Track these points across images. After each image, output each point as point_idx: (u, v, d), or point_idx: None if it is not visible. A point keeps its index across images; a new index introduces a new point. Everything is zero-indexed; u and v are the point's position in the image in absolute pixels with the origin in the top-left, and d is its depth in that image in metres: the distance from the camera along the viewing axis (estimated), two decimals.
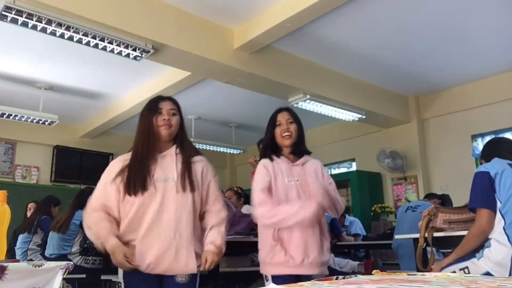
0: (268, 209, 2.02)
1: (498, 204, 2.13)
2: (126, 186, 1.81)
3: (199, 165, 1.96)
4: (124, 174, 1.83)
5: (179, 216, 1.82)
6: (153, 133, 1.90)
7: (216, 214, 1.95)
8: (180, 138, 1.96)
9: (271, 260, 2.05)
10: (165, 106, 1.94)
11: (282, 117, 2.22)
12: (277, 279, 2.03)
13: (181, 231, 1.82)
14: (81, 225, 4.06)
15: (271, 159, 2.17)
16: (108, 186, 1.85)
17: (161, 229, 1.80)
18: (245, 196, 4.13)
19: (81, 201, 4.21)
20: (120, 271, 1.89)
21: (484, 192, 2.16)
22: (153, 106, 1.95)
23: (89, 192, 4.34)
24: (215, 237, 1.88)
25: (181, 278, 1.81)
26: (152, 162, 1.86)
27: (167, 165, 1.88)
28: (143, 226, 1.80)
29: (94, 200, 1.88)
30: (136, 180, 1.81)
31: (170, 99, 2.01)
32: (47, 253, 4.13)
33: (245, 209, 4.00)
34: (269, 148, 2.22)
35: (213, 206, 1.96)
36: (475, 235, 2.18)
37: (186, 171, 1.88)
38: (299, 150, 2.22)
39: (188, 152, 1.94)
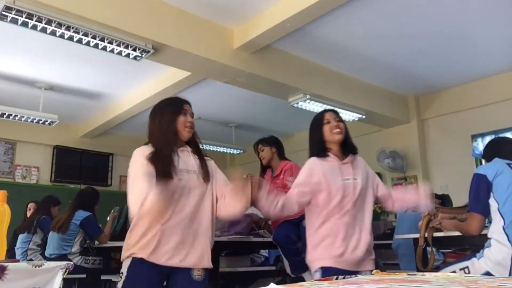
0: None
1: (496, 205, 2.16)
2: (160, 176, 1.81)
3: (210, 163, 2.06)
4: (151, 163, 1.85)
5: (199, 207, 1.90)
6: (175, 131, 1.95)
7: None
8: (195, 138, 2.06)
9: (327, 252, 2.07)
10: (189, 109, 2.03)
11: (330, 116, 2.27)
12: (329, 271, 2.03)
13: (201, 220, 1.90)
14: (81, 225, 4.06)
15: (319, 156, 2.21)
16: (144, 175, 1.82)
17: (183, 217, 1.85)
18: None
19: (81, 201, 4.21)
20: (126, 263, 1.88)
21: (477, 197, 2.25)
22: (178, 106, 2.00)
23: (89, 192, 4.37)
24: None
25: (198, 276, 1.86)
26: (174, 155, 1.93)
27: (187, 158, 1.96)
28: (168, 213, 1.83)
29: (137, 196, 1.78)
30: (165, 168, 1.84)
31: (189, 103, 2.08)
32: (47, 253, 4.13)
33: (249, 210, 4.00)
34: (318, 147, 2.23)
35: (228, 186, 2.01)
36: (462, 231, 2.36)
37: (204, 164, 1.99)
38: (347, 149, 2.25)
39: (201, 150, 2.06)
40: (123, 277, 1.84)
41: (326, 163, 2.18)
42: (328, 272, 2.00)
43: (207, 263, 1.89)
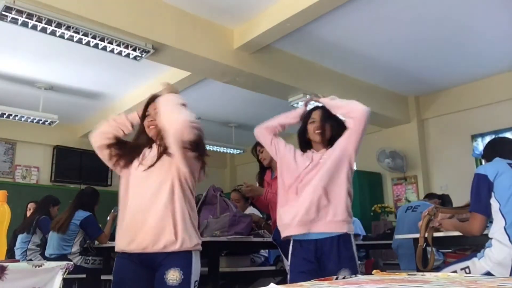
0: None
1: (497, 205, 2.16)
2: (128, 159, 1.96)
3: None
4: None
5: (155, 195, 1.82)
6: (145, 134, 2.00)
7: None
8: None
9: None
10: (152, 107, 1.98)
11: (316, 114, 2.28)
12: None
13: (160, 204, 1.80)
14: (81, 225, 4.05)
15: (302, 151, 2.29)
16: None
17: (135, 203, 1.85)
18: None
19: (81, 201, 4.20)
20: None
21: (478, 197, 2.25)
22: (144, 109, 2.01)
23: (89, 192, 4.37)
24: None
25: (172, 281, 1.72)
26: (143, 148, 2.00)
27: (150, 153, 1.95)
28: (128, 201, 1.89)
29: None
30: (130, 152, 1.98)
31: (151, 101, 2.02)
32: (47, 253, 4.13)
33: (249, 210, 4.00)
34: (300, 141, 2.33)
35: None
36: (463, 232, 2.36)
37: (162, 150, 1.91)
38: (331, 144, 2.24)
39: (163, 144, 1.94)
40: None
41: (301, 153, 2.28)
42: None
43: (166, 243, 1.75)
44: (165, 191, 1.82)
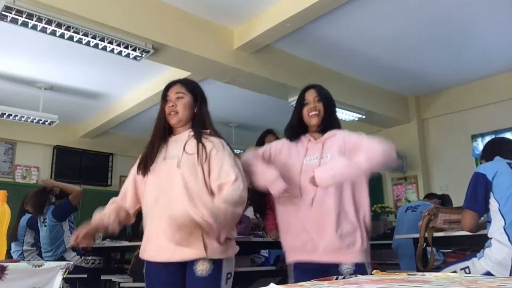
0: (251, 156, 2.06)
1: (497, 205, 2.16)
2: (137, 167, 1.88)
3: (209, 144, 1.80)
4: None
5: (179, 193, 1.71)
6: (164, 121, 1.89)
7: (226, 184, 1.72)
8: (197, 120, 1.88)
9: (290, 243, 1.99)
10: (171, 92, 1.90)
11: (310, 95, 2.06)
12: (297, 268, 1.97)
13: (175, 206, 1.69)
14: (54, 215, 3.99)
15: (291, 140, 2.07)
16: (130, 175, 1.95)
17: (159, 208, 1.75)
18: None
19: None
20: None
21: (474, 195, 2.23)
22: (163, 93, 1.94)
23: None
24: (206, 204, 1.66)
25: (200, 271, 1.66)
26: (163, 145, 1.87)
27: (177, 144, 1.83)
28: (149, 207, 1.81)
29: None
30: (144, 159, 1.85)
31: (180, 81, 1.95)
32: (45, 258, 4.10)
33: (249, 211, 4.00)
34: (295, 127, 2.07)
35: (225, 178, 1.73)
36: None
37: (193, 147, 1.78)
38: (326, 129, 2.03)
39: (200, 132, 1.83)
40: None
41: (295, 144, 2.06)
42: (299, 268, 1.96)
43: (199, 254, 1.65)
44: (180, 185, 1.83)
